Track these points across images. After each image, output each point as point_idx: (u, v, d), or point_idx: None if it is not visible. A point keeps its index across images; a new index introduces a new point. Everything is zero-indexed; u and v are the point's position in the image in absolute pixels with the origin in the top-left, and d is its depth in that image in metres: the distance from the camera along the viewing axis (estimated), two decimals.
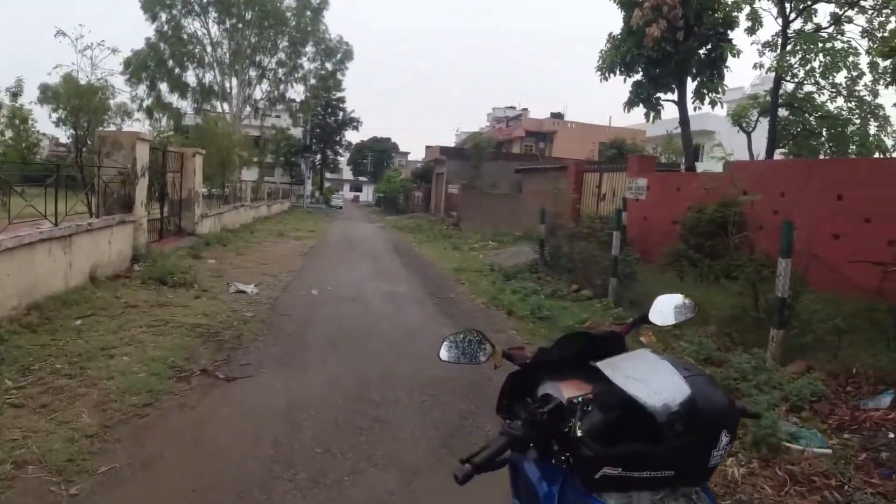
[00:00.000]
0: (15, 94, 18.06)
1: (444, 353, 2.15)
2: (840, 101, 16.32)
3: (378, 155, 69.74)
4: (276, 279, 10.44)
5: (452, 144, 50.39)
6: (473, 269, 13.44)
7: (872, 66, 15.07)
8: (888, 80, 14.69)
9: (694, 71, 14.37)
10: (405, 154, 77.77)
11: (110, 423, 4.00)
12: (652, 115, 14.73)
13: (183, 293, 8.46)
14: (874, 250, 7.26)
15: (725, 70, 14.53)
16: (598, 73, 14.52)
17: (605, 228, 11.60)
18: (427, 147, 43.53)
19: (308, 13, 35.04)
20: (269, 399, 4.75)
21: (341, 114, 55.67)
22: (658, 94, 14.60)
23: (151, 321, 6.68)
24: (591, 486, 1.48)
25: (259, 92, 35.07)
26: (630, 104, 14.67)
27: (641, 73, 14.24)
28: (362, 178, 75.28)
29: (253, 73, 33.87)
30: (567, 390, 1.87)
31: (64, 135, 20.56)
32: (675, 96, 14.64)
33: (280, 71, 34.69)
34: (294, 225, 24.70)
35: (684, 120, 14.56)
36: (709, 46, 14.09)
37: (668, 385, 1.46)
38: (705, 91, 14.62)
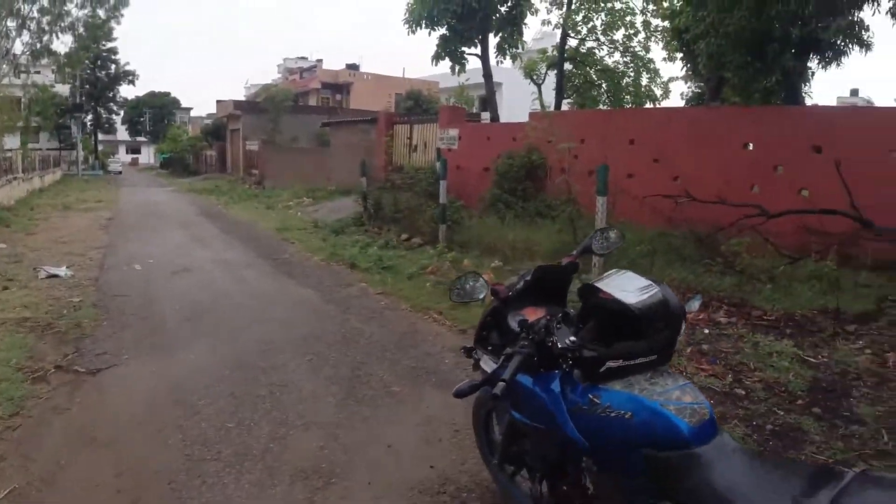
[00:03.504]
0: None
1: (455, 297, 2.49)
2: (617, 55, 18.53)
3: (157, 112, 63.51)
4: (87, 258, 9.44)
5: (243, 98, 47.72)
6: (297, 227, 13.28)
7: (646, 25, 17.26)
8: (660, 38, 16.94)
9: (496, 27, 15.21)
10: (188, 110, 71.98)
11: None
12: (457, 68, 15.38)
13: None
14: (663, 186, 8.53)
15: (524, 27, 15.64)
16: (406, 25, 14.80)
17: (427, 179, 12.12)
18: (218, 101, 40.61)
19: None
20: (148, 386, 4.45)
21: (114, 67, 49.81)
22: (463, 49, 15.26)
23: None
24: (596, 378, 1.88)
25: (19, 45, 30.03)
26: (437, 57, 15.18)
27: (447, 28, 14.74)
28: (140, 139, 67.96)
29: (11, 23, 28.84)
30: (529, 316, 2.25)
31: None
32: (478, 51, 15.42)
33: (44, 20, 29.84)
34: (77, 196, 22.00)
35: (487, 73, 15.42)
36: (509, 4, 14.98)
37: (646, 293, 1.90)
38: (507, 46, 15.61)
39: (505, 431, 2.54)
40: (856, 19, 8.65)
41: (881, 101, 70.77)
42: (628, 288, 1.95)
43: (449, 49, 14.99)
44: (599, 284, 2.02)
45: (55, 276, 8.03)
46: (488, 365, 2.40)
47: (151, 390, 4.37)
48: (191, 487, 3.13)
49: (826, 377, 4.39)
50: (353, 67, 49.52)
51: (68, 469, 3.30)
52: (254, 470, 3.29)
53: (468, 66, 15.81)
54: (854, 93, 44.69)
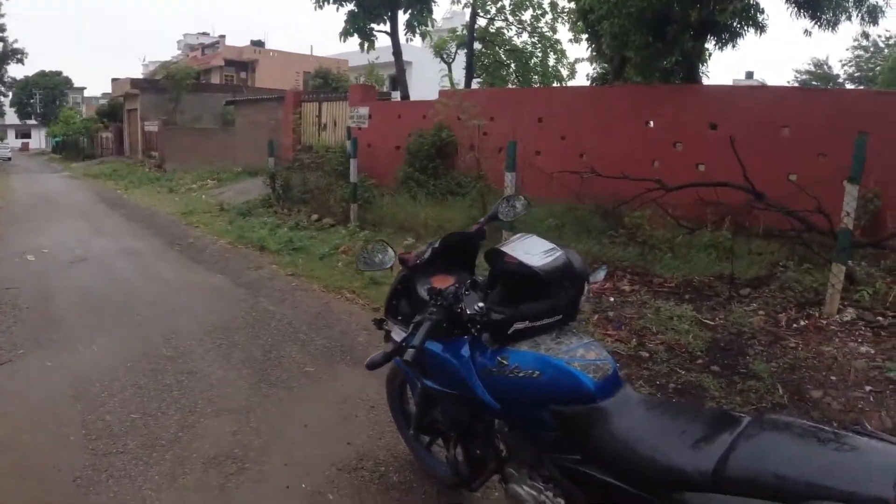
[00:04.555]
0: None
1: (361, 266, 2.45)
2: (525, 36, 18.85)
3: (48, 92, 58.86)
4: None
5: (141, 76, 45.06)
6: (201, 210, 12.76)
7: (553, 6, 17.62)
8: (566, 19, 17.32)
9: (405, 4, 15.02)
10: (81, 90, 67.41)
11: None
12: (367, 45, 15.11)
13: None
14: (570, 162, 8.74)
15: (434, 5, 15.53)
16: (313, 0, 14.40)
17: (338, 158, 11.92)
18: (113, 80, 38.06)
19: None
20: (46, 381, 4.14)
21: (1, 45, 45.51)
22: (372, 25, 14.99)
23: None
24: (503, 341, 1.91)
25: None
26: (346, 34, 14.82)
27: (355, 4, 14.44)
28: (31, 122, 63.19)
29: None
30: (438, 284, 2.26)
31: None
32: (388, 27, 15.20)
33: None
34: None
35: (397, 51, 15.24)
36: None
37: (551, 256, 1.95)
38: (416, 24, 15.46)
39: (418, 401, 2.54)
40: (751, 2, 9.09)
41: (774, 82, 74.99)
42: (533, 251, 1.99)
43: (357, 25, 14.65)
44: (505, 248, 2.05)
45: None
46: (399, 335, 2.39)
47: (50, 385, 4.08)
48: (97, 483, 2.97)
49: (723, 338, 4.67)
50: (258, 44, 47.69)
51: None
52: (162, 460, 3.17)
53: (378, 45, 15.56)
54: (749, 76, 47.17)
